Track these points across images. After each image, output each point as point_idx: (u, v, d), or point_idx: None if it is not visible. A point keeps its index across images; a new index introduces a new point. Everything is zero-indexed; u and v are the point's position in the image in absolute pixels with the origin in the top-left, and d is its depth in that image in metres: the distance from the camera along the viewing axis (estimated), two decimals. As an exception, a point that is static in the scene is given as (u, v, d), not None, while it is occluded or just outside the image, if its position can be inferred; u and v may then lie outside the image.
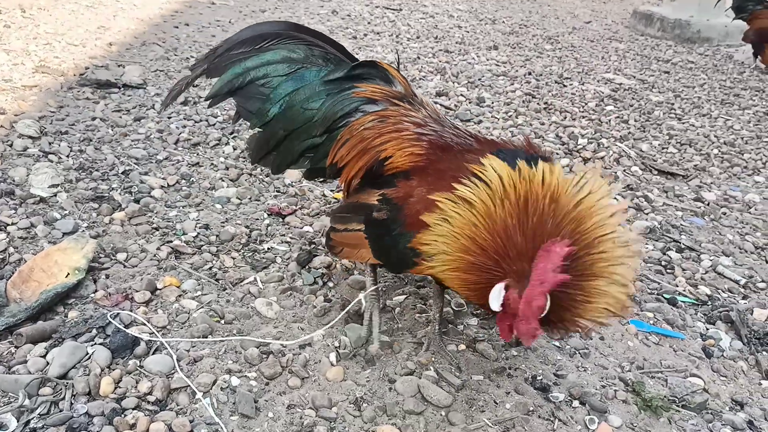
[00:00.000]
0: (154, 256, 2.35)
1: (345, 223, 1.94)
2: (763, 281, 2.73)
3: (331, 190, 2.97)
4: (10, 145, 2.97)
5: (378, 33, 6.19)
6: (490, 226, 1.54)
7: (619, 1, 11.00)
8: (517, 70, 5.59)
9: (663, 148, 4.22)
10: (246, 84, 1.92)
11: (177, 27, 5.26)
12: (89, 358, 1.81)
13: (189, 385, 1.78)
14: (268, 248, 2.48)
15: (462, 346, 2.07)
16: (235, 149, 3.21)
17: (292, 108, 1.93)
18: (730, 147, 4.38)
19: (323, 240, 2.02)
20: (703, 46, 7.81)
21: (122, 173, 2.86)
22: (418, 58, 5.50)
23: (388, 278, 2.40)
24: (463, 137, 1.86)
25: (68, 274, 2.06)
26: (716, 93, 5.77)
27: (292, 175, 3.00)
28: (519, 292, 1.46)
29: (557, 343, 2.16)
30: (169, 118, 3.46)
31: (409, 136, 1.84)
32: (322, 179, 2.20)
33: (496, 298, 1.50)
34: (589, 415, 1.85)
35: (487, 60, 5.82)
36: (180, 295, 2.17)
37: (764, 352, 2.26)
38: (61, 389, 1.71)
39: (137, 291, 2.13)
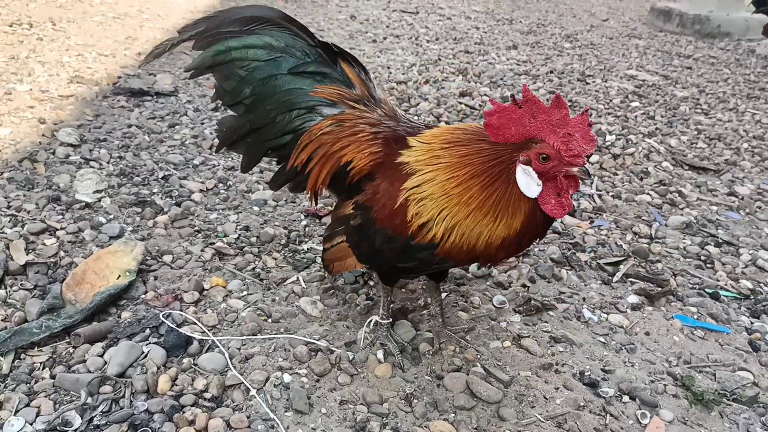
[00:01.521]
0: (199, 257, 2.38)
1: (331, 240, 1.95)
2: (804, 274, 2.71)
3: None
4: (53, 153, 3.02)
5: (397, 36, 6.21)
6: (462, 157, 1.60)
7: (635, -2, 10.95)
8: (538, 69, 5.58)
9: (692, 144, 4.20)
10: (226, 62, 1.93)
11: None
12: (145, 356, 1.85)
13: (243, 382, 1.80)
14: (308, 248, 2.51)
15: (507, 343, 2.08)
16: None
17: (265, 98, 1.94)
18: (759, 141, 4.35)
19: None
20: (724, 41, 7.75)
21: (162, 178, 2.90)
22: (439, 59, 5.51)
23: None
24: (416, 128, 1.86)
25: (119, 276, 2.09)
26: (741, 87, 5.73)
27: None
28: (548, 148, 1.50)
29: (602, 339, 2.16)
30: (203, 124, 3.50)
31: (366, 137, 1.85)
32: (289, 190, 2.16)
33: (527, 182, 1.53)
34: (640, 409, 1.85)
35: (508, 60, 5.82)
36: (227, 295, 2.20)
37: (811, 345, 2.24)
38: (120, 387, 1.74)
39: (186, 292, 2.17)
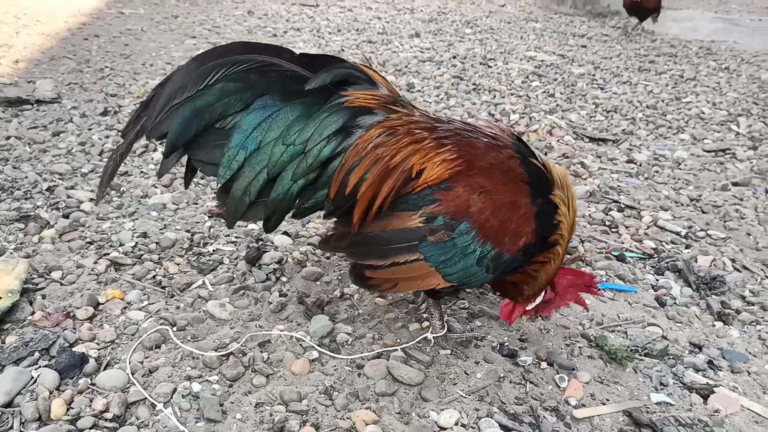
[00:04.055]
0: (92, 270, 2.21)
1: (387, 257, 1.67)
2: (702, 230, 2.83)
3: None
4: None
5: (298, 29, 6.10)
6: (570, 232, 1.76)
7: (529, -17, 11.30)
8: (441, 55, 5.63)
9: (591, 117, 4.34)
10: (202, 131, 1.61)
11: (87, 39, 5.01)
12: (35, 382, 1.68)
13: (147, 397, 1.67)
14: (214, 250, 2.38)
15: (426, 324, 2.04)
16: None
17: (269, 144, 1.61)
18: (653, 110, 4.56)
19: (353, 282, 1.80)
20: (614, 19, 8.10)
21: (46, 190, 2.68)
22: (342, 50, 5.45)
23: (342, 266, 2.34)
24: (470, 130, 1.74)
25: (0, 297, 1.90)
26: (633, 62, 6.00)
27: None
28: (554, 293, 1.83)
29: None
30: (90, 129, 3.28)
31: (430, 144, 1.66)
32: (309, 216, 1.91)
33: (540, 299, 1.84)
34: (558, 373, 1.86)
35: (411, 47, 5.84)
36: (125, 307, 2.04)
37: (713, 296, 2.34)
38: (7, 418, 1.57)
39: (78, 308, 2.00)
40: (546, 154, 3.60)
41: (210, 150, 1.64)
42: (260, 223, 1.78)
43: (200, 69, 1.60)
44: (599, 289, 1.86)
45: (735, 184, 3.38)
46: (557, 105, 4.52)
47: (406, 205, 1.65)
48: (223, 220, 2.59)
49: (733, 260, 2.59)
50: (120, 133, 1.68)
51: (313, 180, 1.67)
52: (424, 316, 2.07)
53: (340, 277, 2.28)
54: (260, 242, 2.43)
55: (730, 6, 10.27)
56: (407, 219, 1.64)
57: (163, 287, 2.16)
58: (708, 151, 3.83)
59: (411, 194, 1.64)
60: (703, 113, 4.55)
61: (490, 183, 1.64)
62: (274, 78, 1.63)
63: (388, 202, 1.64)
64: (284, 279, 2.25)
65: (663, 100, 4.78)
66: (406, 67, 5.14)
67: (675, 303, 2.29)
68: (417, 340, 1.95)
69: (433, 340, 1.95)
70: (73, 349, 1.81)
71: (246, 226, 2.54)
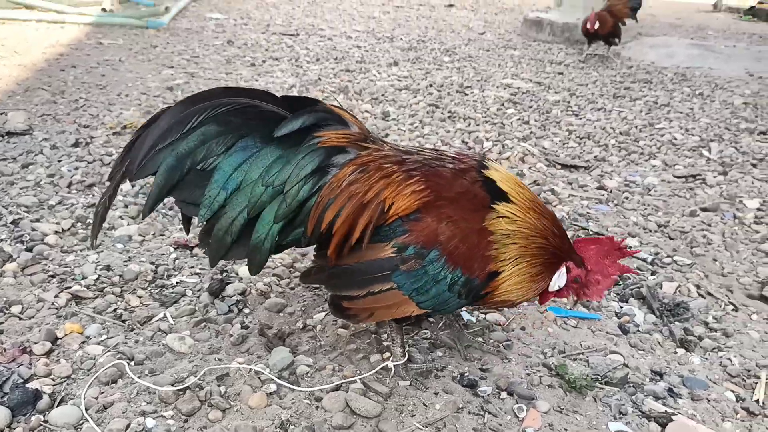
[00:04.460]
0: (53, 304, 2.19)
1: (363, 287, 1.74)
2: (668, 256, 2.86)
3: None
4: None
5: (277, 59, 6.16)
6: (538, 232, 1.77)
7: (510, 11, 11.50)
8: (418, 84, 5.69)
9: (564, 144, 4.39)
10: (185, 174, 1.66)
11: (63, 70, 5.03)
12: (-18, 420, 1.65)
13: (98, 435, 1.65)
14: (177, 282, 2.37)
15: (387, 355, 2.03)
16: (133, 186, 3.07)
17: (249, 185, 1.68)
18: (626, 136, 4.61)
19: (332, 312, 1.89)
20: (592, 46, 8.23)
21: (11, 223, 2.66)
22: (319, 79, 5.50)
23: (306, 296, 2.34)
24: (439, 159, 1.83)
25: (-48, 334, 1.88)
26: (608, 88, 6.09)
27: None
28: (582, 268, 1.83)
29: (481, 339, 2.16)
30: (60, 161, 3.28)
31: (400, 177, 1.74)
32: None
33: (558, 280, 1.84)
34: (517, 403, 1.86)
35: (389, 76, 5.90)
36: (83, 342, 2.02)
37: (676, 323, 2.35)
38: (-51, 460, 1.55)
39: (36, 343, 1.98)
40: (517, 181, 3.62)
41: (191, 190, 1.70)
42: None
43: (184, 113, 1.67)
44: (631, 249, 1.87)
45: (704, 210, 3.41)
46: (531, 132, 4.57)
47: (378, 237, 1.73)
48: (188, 251, 2.59)
49: (698, 286, 2.61)
50: (108, 177, 1.74)
51: (291, 218, 1.74)
52: (385, 344, 2.06)
53: (303, 308, 2.27)
54: (224, 274, 2.43)
55: (707, 32, 10.48)
56: (380, 250, 1.72)
57: (124, 321, 2.14)
58: (678, 177, 3.87)
59: (383, 226, 1.72)
60: (676, 139, 4.61)
61: (457, 212, 1.72)
62: (255, 120, 1.70)
63: (368, 236, 1.71)
64: (247, 311, 2.24)
65: (636, 127, 4.85)
66: (382, 95, 5.19)
67: (638, 330, 2.29)
68: (377, 369, 1.94)
69: (393, 368, 1.94)
70: (27, 385, 1.79)
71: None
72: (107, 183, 1.74)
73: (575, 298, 1.89)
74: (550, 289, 1.86)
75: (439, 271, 1.70)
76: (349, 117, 1.85)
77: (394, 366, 1.94)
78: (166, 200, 1.78)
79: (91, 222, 1.74)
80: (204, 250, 1.85)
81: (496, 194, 1.76)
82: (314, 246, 1.87)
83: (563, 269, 1.84)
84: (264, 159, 1.70)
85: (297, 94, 1.80)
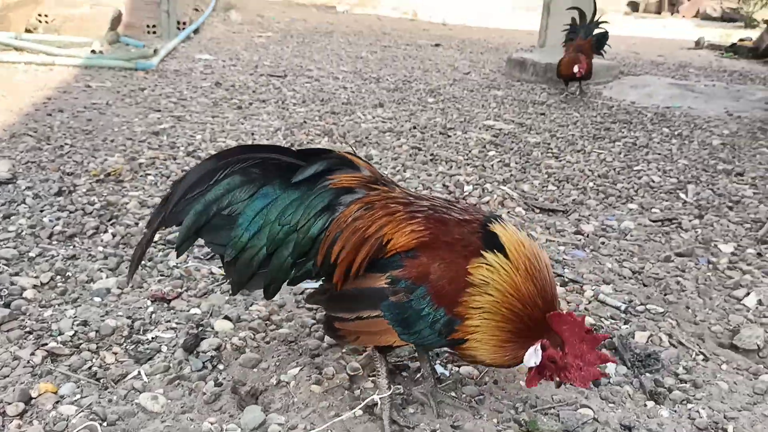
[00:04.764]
0: (28, 362, 2.20)
1: (354, 311, 1.91)
2: (641, 304, 2.90)
3: (219, 267, 2.91)
4: None
5: (263, 101, 6.25)
6: (518, 294, 1.79)
7: (495, 50, 11.72)
8: (402, 125, 5.78)
9: (543, 187, 4.46)
10: (211, 218, 1.91)
11: (50, 114, 5.09)
12: (-52, 489, 1.66)
13: (66, 502, 1.65)
14: (153, 338, 2.39)
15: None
16: (114, 236, 3.10)
17: (268, 225, 1.90)
18: (604, 179, 4.69)
19: (325, 332, 2.07)
20: (574, 85, 8.39)
21: (-10, 277, 2.68)
22: (305, 122, 5.58)
23: (281, 351, 2.36)
24: (447, 207, 1.96)
25: (-77, 397, 1.89)
26: (589, 129, 6.20)
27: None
28: (561, 349, 1.78)
29: (453, 393, 2.18)
30: (42, 211, 3.30)
31: (403, 217, 1.89)
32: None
33: (533, 356, 1.82)
34: (487, 463, 1.87)
35: (374, 118, 5.99)
36: (57, 402, 2.03)
37: (647, 374, 2.38)
38: None
39: (9, 404, 1.99)
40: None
41: (218, 232, 1.95)
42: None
43: (211, 167, 1.93)
44: (598, 333, 1.91)
45: (679, 255, 3.47)
46: (511, 175, 4.64)
47: (376, 268, 1.89)
48: (165, 304, 2.61)
49: (669, 335, 2.65)
50: (145, 225, 2.06)
51: (304, 252, 1.95)
52: (371, 380, 2.08)
53: (277, 363, 2.29)
54: (200, 328, 2.44)
55: (689, 70, 10.71)
56: (376, 279, 1.88)
57: (98, 379, 2.15)
58: (654, 221, 3.94)
59: (382, 259, 1.88)
60: (653, 181, 4.70)
61: (450, 255, 1.84)
62: (273, 170, 1.95)
63: (363, 266, 1.88)
64: (221, 366, 2.26)
65: (615, 169, 4.94)
66: (366, 138, 5.27)
67: (609, 382, 2.32)
68: (364, 402, 1.99)
69: (380, 402, 1.98)
70: (-4, 449, 1.80)
71: (189, 311, 2.56)
72: (145, 230, 2.00)
73: (557, 380, 1.85)
74: (525, 363, 1.86)
75: (423, 307, 1.83)
76: (361, 162, 2.05)
77: (380, 399, 1.98)
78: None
79: (131, 263, 2.01)
80: (228, 280, 2.10)
81: (492, 245, 1.83)
82: (317, 282, 2.10)
83: (538, 345, 1.82)
84: (281, 202, 1.93)
85: (312, 147, 2.08)
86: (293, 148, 2.01)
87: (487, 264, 1.80)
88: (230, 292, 2.27)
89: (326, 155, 2.00)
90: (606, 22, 7.86)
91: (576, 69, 7.02)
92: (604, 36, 7.75)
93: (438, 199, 2.05)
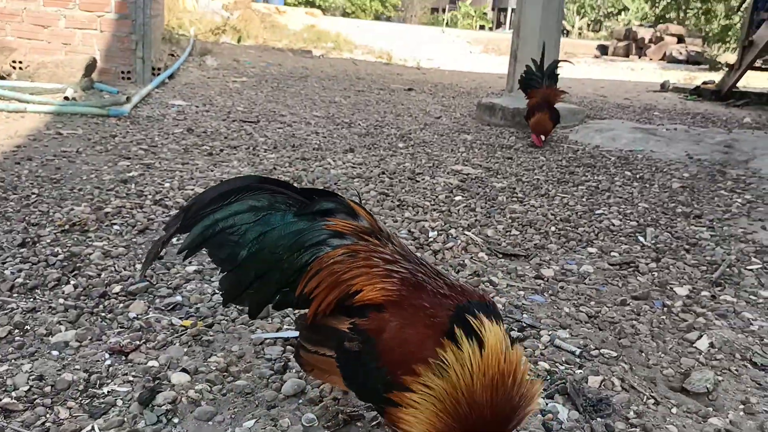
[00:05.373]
0: (-21, 420, 2.19)
1: (316, 345, 2.03)
2: (596, 348, 2.97)
3: (180, 318, 2.93)
4: None
5: (235, 147, 6.33)
6: (469, 398, 1.69)
7: (467, 94, 12.01)
8: (371, 171, 5.88)
9: (507, 232, 4.56)
10: (216, 234, 2.04)
11: (19, 163, 5.09)
12: None
13: None
14: (108, 391, 2.39)
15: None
16: (76, 288, 3.11)
17: (262, 250, 2.03)
18: (565, 223, 4.81)
19: (294, 356, 2.24)
20: (541, 130, 8.61)
21: (-54, 332, 2.67)
22: (275, 168, 5.66)
23: (238, 403, 2.37)
24: (432, 276, 1.99)
25: None
26: (554, 173, 6.36)
27: (137, 308, 2.94)
28: None
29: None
30: (4, 263, 3.30)
31: (380, 273, 1.95)
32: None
33: None
34: None
35: (344, 163, 6.09)
36: (7, 460, 2.03)
37: (598, 419, 2.43)
38: None
39: (-44, 464, 1.97)
40: (458, 272, 3.75)
41: (221, 247, 2.08)
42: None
43: (224, 190, 2.10)
44: None
45: (635, 298, 3.56)
46: (476, 220, 4.74)
47: (347, 312, 1.97)
48: (123, 357, 2.62)
49: (622, 380, 2.71)
50: (163, 228, 2.29)
51: (289, 282, 2.07)
52: (310, 456, 2.10)
53: (233, 416, 2.31)
54: (156, 381, 2.45)
55: (653, 113, 11.06)
56: (341, 322, 1.96)
57: (50, 435, 2.15)
58: (613, 265, 4.04)
59: (354, 305, 1.95)
60: (614, 225, 4.83)
61: (412, 320, 1.86)
62: (281, 203, 2.10)
63: (331, 307, 1.99)
64: (176, 420, 2.26)
65: (577, 213, 5.07)
66: (335, 184, 5.35)
67: (561, 428, 2.37)
68: None
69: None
70: None
71: (146, 363, 2.57)
72: (162, 232, 2.20)
73: None
74: None
75: (369, 361, 1.87)
76: (362, 212, 2.14)
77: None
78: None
79: (145, 258, 2.19)
80: (221, 292, 2.24)
81: (469, 330, 1.74)
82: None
83: None
84: (278, 232, 2.06)
85: (320, 187, 2.24)
86: (304, 187, 2.23)
87: (455, 350, 1.71)
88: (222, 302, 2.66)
89: (331, 198, 2.15)
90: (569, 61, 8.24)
91: (537, 140, 7.48)
92: (556, 66, 8.13)
93: (428, 266, 2.04)
